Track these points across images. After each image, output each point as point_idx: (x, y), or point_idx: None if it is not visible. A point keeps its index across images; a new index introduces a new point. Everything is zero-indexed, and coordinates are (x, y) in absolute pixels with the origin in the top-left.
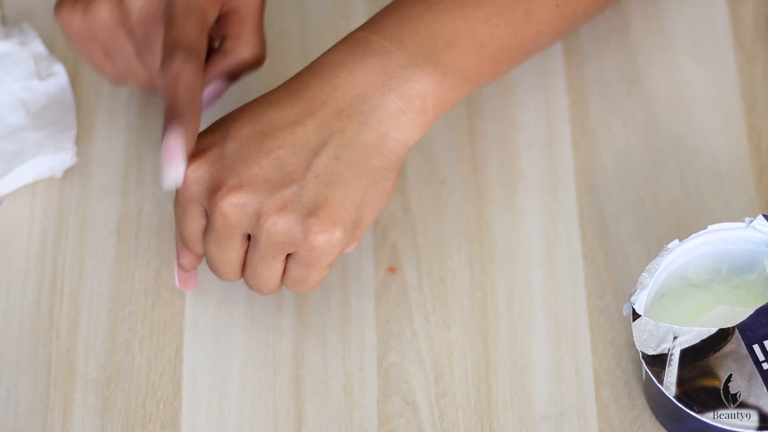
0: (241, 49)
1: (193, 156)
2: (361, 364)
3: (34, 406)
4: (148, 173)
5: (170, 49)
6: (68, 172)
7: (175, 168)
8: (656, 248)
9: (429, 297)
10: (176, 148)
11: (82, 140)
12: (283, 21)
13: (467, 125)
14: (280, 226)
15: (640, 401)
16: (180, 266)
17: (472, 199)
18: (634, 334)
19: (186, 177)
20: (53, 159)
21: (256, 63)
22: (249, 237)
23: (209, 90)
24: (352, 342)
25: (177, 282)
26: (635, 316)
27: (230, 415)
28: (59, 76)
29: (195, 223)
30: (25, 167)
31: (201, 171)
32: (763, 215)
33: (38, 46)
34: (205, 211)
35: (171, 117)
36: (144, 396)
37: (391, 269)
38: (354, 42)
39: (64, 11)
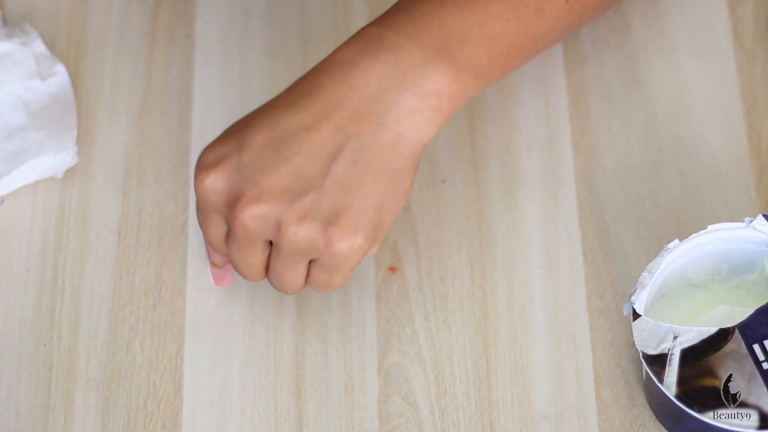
0: None
1: (210, 166)
2: (361, 364)
3: (35, 406)
4: (148, 173)
5: None
6: (69, 172)
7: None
8: (656, 248)
9: (429, 297)
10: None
11: (82, 140)
12: (284, 21)
13: (467, 125)
14: (301, 235)
15: (640, 401)
16: (212, 264)
17: (472, 199)
18: (634, 334)
19: (205, 188)
20: (54, 159)
21: None
22: (271, 242)
23: None
24: (352, 342)
25: (212, 280)
26: (635, 315)
27: (231, 414)
28: (60, 76)
29: (217, 230)
30: (26, 167)
31: (219, 182)
32: (763, 215)
33: (39, 46)
34: (226, 218)
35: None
36: (145, 396)
37: (392, 269)
38: (367, 38)
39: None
